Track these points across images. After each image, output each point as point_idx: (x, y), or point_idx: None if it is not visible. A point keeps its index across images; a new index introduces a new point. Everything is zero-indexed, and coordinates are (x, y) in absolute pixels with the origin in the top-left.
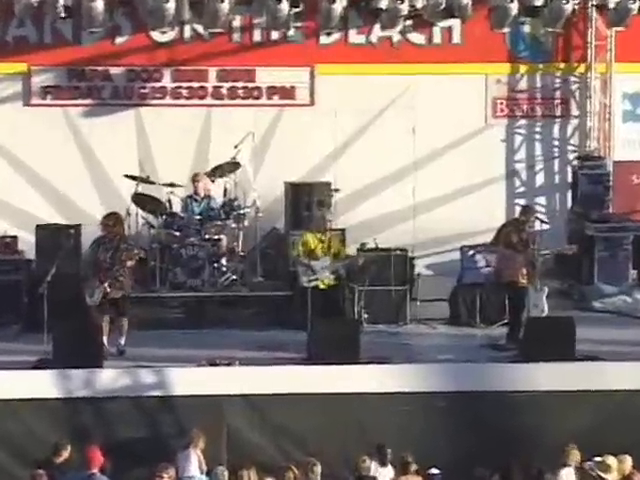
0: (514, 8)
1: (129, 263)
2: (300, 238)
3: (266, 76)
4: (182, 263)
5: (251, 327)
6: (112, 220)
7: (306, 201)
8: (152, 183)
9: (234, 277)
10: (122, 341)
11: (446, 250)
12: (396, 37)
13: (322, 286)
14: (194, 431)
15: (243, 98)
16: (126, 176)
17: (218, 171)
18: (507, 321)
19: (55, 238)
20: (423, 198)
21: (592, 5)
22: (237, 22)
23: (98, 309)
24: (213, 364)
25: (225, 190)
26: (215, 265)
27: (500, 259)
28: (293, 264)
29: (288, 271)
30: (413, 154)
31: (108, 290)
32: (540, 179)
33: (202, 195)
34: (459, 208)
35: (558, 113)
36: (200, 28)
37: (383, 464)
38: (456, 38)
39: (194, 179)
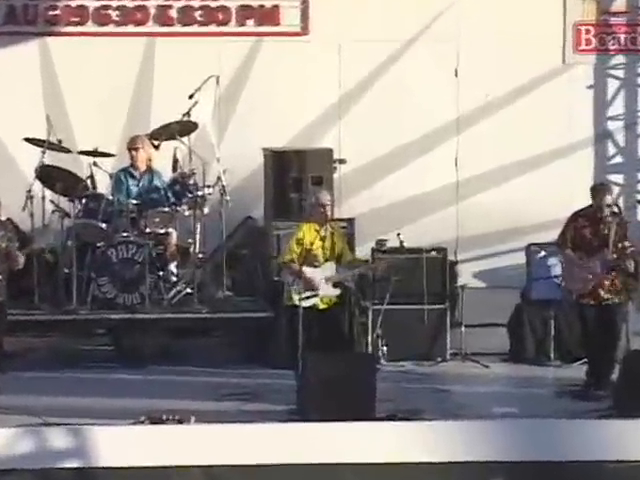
0: None
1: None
2: (290, 233)
3: None
4: (111, 270)
5: (214, 365)
6: None
7: (295, 177)
8: (67, 151)
9: (189, 290)
10: None
11: (504, 250)
12: None
13: (321, 305)
14: None
15: (202, 24)
16: (27, 140)
17: (165, 133)
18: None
19: None
20: (470, 173)
21: None
22: None
23: None
24: (157, 421)
25: (175, 161)
26: (160, 273)
27: (567, 265)
28: (278, 272)
29: (270, 282)
30: (456, 108)
31: None
32: None
33: (142, 169)
34: (523, 188)
35: None
36: None
37: None
38: None
39: (130, 145)
